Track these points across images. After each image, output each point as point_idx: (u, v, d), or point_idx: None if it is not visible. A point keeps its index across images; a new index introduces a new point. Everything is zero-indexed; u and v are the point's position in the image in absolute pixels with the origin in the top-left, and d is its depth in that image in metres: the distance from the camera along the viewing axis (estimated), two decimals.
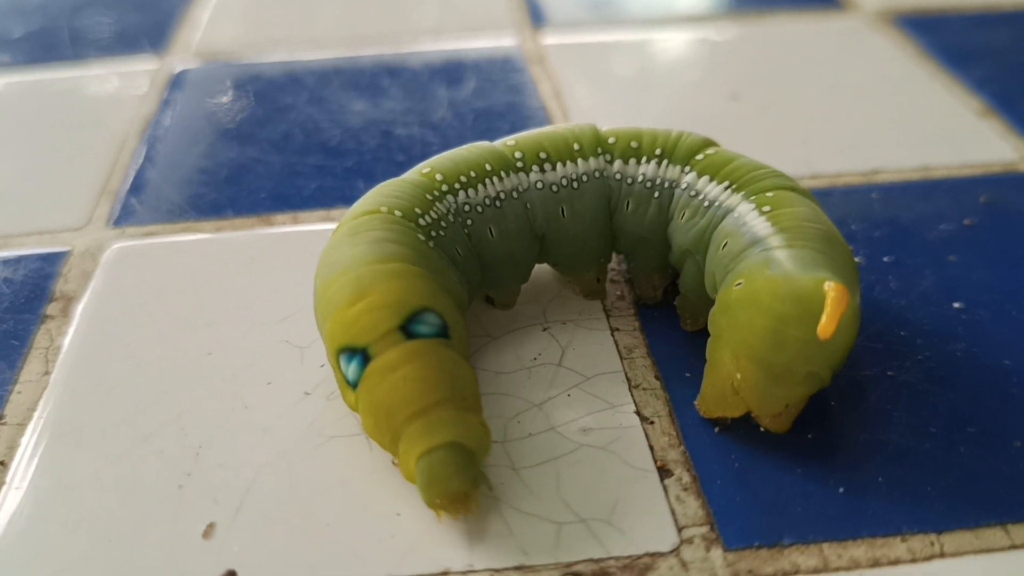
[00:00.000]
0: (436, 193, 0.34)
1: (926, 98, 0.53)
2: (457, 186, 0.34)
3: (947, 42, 0.59)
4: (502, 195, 0.35)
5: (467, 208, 0.34)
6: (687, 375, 0.34)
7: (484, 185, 0.35)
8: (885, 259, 0.40)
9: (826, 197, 0.44)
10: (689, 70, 0.58)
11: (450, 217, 0.34)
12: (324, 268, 0.32)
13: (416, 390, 0.28)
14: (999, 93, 0.53)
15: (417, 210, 0.33)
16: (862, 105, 0.53)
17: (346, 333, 0.29)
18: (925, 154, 0.47)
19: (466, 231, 0.34)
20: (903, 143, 0.49)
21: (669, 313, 0.37)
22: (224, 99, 0.55)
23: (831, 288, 0.27)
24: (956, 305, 0.37)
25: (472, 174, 0.35)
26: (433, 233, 0.33)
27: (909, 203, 0.44)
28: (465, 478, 0.28)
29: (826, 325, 0.27)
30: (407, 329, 0.29)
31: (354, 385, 0.29)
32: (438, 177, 0.34)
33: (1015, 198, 0.44)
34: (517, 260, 0.36)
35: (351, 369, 0.29)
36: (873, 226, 0.42)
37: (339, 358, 0.29)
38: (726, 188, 0.34)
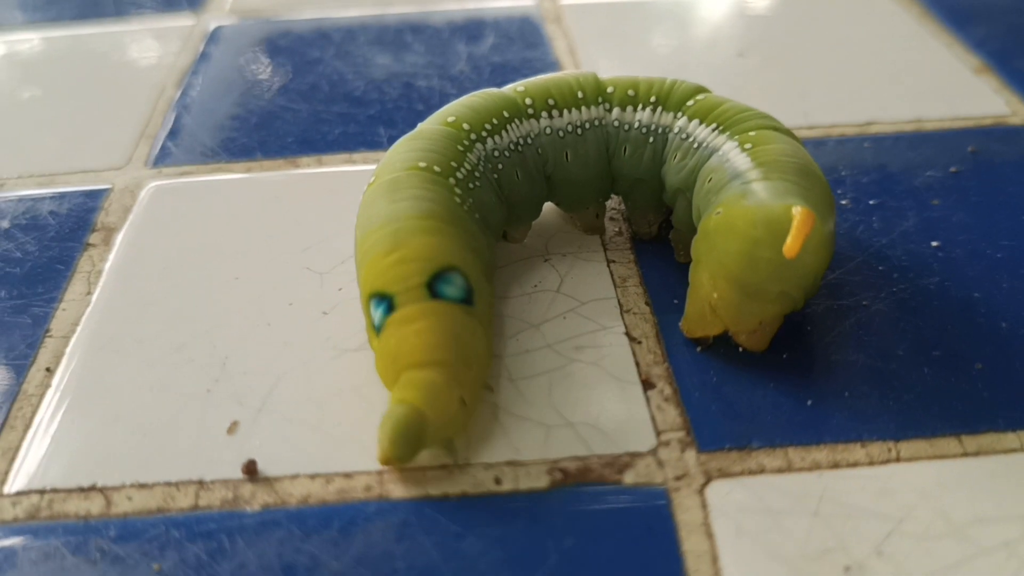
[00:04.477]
0: (466, 143, 0.36)
1: (926, 56, 0.55)
2: (484, 134, 0.36)
3: (950, 3, 0.61)
4: (521, 140, 0.37)
5: (496, 154, 0.37)
6: (675, 301, 0.37)
7: (507, 131, 0.37)
8: (871, 202, 0.42)
9: (820, 146, 0.46)
10: (699, 28, 0.60)
11: (481, 166, 0.36)
12: (364, 220, 0.34)
13: (422, 344, 0.30)
14: (997, 51, 0.55)
15: (453, 163, 0.35)
16: (863, 62, 0.55)
17: (377, 280, 0.31)
18: (919, 108, 0.49)
19: (495, 176, 0.36)
20: (899, 97, 0.51)
21: (664, 248, 0.40)
22: (256, 53, 0.58)
23: (798, 212, 0.30)
24: (934, 244, 0.40)
25: (495, 121, 0.37)
26: (470, 185, 0.35)
27: (899, 152, 0.46)
28: (398, 448, 0.29)
29: (791, 245, 0.29)
30: (433, 287, 0.31)
31: (378, 330, 0.31)
32: (465, 127, 0.36)
33: (1002, 149, 0.46)
34: (537, 198, 0.39)
35: (377, 314, 0.31)
36: (862, 172, 0.44)
37: (370, 303, 0.32)
38: (714, 130, 0.36)
